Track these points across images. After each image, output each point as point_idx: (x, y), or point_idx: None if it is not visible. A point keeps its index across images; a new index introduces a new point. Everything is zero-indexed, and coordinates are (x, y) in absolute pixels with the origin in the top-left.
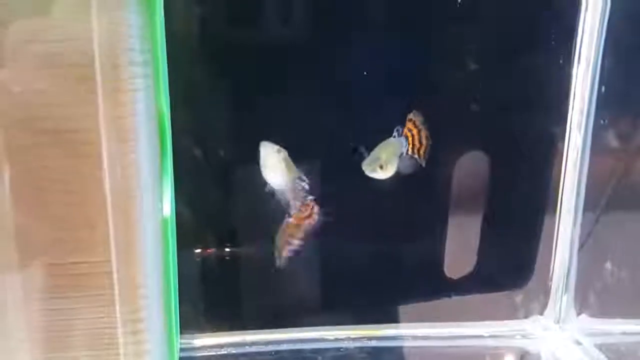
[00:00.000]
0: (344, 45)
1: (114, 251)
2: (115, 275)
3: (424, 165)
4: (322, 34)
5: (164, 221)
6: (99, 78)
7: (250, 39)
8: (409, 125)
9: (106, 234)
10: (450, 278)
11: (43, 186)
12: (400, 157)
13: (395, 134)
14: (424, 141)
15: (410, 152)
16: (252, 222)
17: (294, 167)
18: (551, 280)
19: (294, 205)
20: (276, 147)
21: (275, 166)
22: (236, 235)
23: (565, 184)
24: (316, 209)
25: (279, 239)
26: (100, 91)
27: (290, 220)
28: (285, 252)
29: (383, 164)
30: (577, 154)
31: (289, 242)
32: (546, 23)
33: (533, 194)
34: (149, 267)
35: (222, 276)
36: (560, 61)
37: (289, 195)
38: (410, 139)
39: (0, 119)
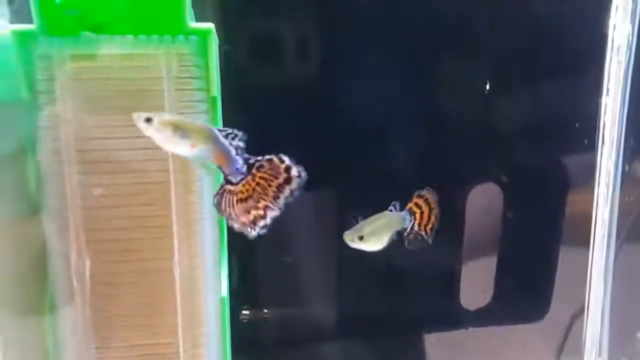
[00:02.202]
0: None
1: (181, 334)
2: (181, 356)
3: (430, 242)
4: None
5: (222, 301)
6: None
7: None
8: (419, 201)
9: (174, 318)
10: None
11: (119, 284)
12: (404, 232)
13: (391, 208)
14: (432, 219)
15: (417, 227)
16: (292, 285)
17: (197, 126)
18: (584, 346)
19: (233, 170)
20: (144, 115)
21: (167, 138)
22: (277, 298)
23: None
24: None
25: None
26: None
27: (232, 187)
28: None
29: (365, 235)
30: (608, 200)
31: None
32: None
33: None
34: (210, 348)
35: (263, 339)
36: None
37: (218, 162)
38: (417, 214)
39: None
